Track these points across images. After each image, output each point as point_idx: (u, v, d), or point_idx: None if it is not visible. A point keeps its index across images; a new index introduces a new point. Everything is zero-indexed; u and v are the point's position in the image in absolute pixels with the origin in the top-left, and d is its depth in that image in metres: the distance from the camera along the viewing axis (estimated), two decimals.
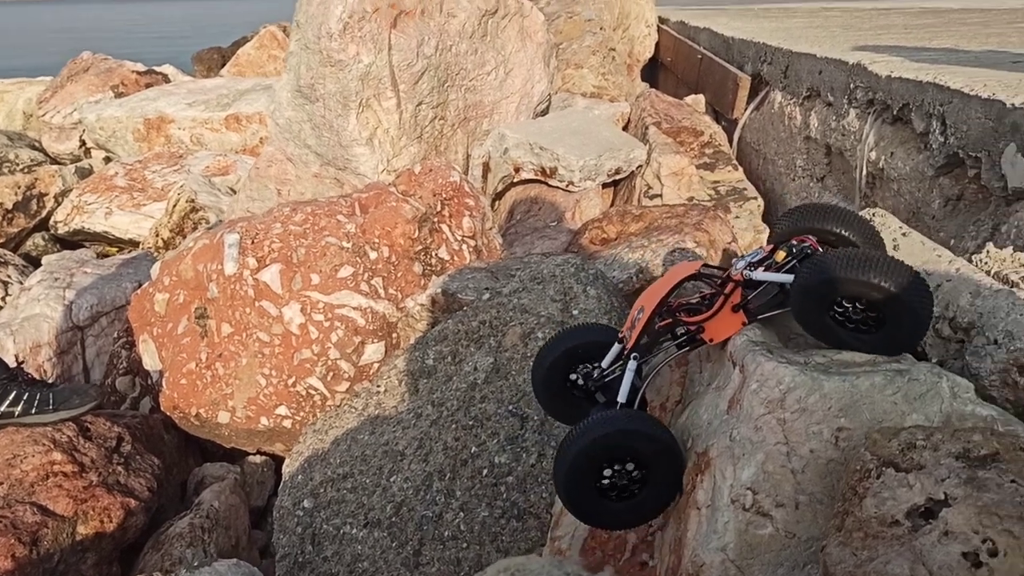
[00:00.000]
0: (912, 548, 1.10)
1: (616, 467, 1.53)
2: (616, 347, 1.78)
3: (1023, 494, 1.13)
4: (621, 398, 1.64)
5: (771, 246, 1.74)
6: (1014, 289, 1.80)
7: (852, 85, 3.47)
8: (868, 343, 1.51)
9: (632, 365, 1.67)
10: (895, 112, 3.07)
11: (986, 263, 1.97)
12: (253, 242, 3.19)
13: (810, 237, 1.72)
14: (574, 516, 1.60)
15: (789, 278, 1.60)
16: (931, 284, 1.59)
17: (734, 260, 1.75)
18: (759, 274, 1.65)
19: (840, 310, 1.51)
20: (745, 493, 1.39)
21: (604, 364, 1.78)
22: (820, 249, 1.69)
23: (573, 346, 1.83)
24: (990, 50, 3.85)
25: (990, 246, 2.00)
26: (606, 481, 1.53)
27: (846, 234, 1.70)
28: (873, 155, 3.21)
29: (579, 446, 1.50)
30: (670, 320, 1.72)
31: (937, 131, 2.71)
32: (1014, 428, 1.45)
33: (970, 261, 2.01)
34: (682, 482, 1.56)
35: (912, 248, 2.04)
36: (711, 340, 1.70)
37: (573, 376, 1.84)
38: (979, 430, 1.27)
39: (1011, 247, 2.12)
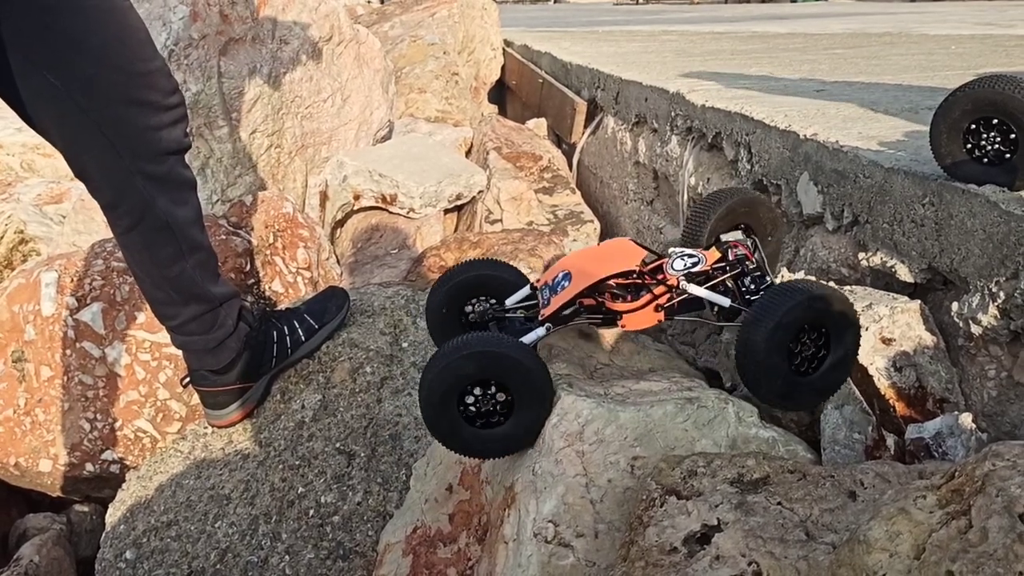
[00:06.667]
0: (686, 574, 1.17)
1: (481, 391, 1.53)
2: (524, 290, 1.81)
3: (785, 516, 1.22)
4: (526, 340, 1.63)
5: (707, 250, 1.76)
6: None
7: (673, 113, 3.64)
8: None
9: (541, 331, 1.66)
10: (710, 140, 3.24)
11: None
12: (72, 280, 3.06)
13: (741, 242, 1.78)
14: (436, 438, 1.57)
15: (725, 301, 1.65)
16: None
17: (671, 252, 1.75)
18: (695, 289, 1.67)
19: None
20: (547, 526, 1.44)
21: (508, 303, 1.80)
22: (751, 257, 1.73)
23: (476, 275, 1.85)
24: (801, 78, 4.11)
25: (784, 270, 2.14)
26: (471, 401, 1.53)
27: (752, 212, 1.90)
28: (692, 180, 3.37)
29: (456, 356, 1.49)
30: (592, 300, 1.73)
31: (744, 159, 2.88)
32: (793, 448, 1.56)
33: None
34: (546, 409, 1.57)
35: None
36: (624, 327, 1.73)
37: (468, 308, 1.87)
38: (753, 455, 1.36)
39: (803, 270, 2.27)
